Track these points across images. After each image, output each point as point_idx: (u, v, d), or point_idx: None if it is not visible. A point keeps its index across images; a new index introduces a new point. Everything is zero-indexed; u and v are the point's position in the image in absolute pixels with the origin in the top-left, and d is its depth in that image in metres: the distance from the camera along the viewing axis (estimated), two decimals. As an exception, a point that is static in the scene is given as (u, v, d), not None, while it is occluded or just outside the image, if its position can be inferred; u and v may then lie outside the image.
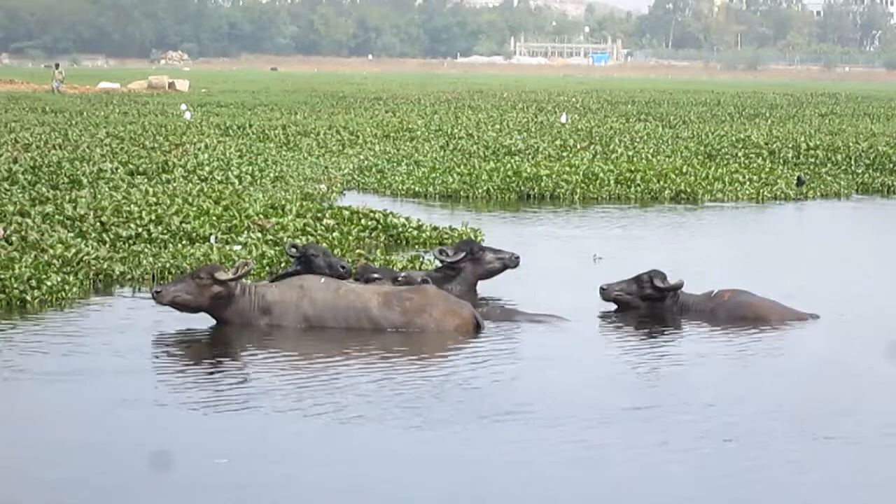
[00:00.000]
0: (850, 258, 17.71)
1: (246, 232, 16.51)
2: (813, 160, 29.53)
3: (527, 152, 29.84)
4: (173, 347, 11.64)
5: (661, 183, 24.18)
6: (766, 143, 31.80)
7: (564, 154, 29.47)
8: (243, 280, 12.03)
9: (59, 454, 8.43)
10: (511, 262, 13.98)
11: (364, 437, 8.77)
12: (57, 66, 69.20)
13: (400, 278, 12.94)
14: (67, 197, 18.54)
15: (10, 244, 15.03)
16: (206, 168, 23.76)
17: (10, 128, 32.94)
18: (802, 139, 32.89)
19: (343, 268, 13.01)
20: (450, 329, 11.84)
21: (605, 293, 13.08)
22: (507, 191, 23.66)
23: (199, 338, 11.88)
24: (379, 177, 25.49)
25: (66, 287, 13.24)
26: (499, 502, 7.71)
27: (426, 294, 12.06)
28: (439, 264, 13.96)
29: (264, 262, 14.67)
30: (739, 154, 30.12)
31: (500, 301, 13.71)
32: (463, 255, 13.79)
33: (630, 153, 29.65)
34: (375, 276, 13.06)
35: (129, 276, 14.34)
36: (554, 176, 24.21)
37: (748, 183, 24.72)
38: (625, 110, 49.57)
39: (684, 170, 25.61)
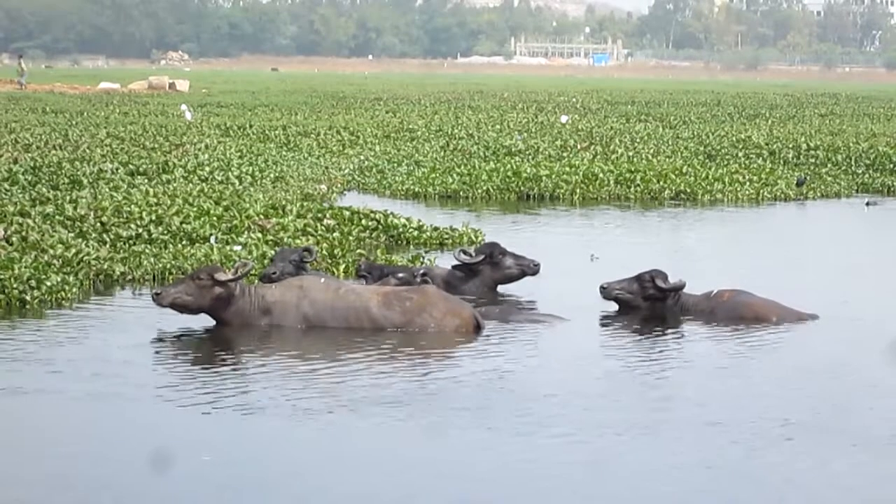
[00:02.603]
0: (849, 258, 17.71)
1: (246, 232, 16.53)
2: (813, 160, 29.53)
3: (527, 153, 29.85)
4: (173, 348, 11.65)
5: (661, 183, 24.18)
6: (767, 144, 31.80)
7: (564, 154, 29.48)
8: (243, 281, 12.04)
9: (53, 452, 8.44)
10: (530, 270, 14.04)
11: (362, 437, 8.78)
12: (20, 56, 68.52)
13: (417, 274, 13.10)
14: (68, 197, 18.55)
15: (11, 244, 15.03)
16: (207, 168, 23.77)
17: (11, 128, 32.96)
18: (803, 139, 32.89)
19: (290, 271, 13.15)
20: (450, 329, 11.84)
21: (606, 292, 13.08)
22: (507, 191, 23.68)
23: (199, 338, 11.88)
24: (379, 177, 25.50)
25: (66, 287, 13.25)
26: (497, 503, 7.71)
27: (426, 294, 12.07)
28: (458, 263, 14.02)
29: (265, 262, 14.67)
30: (740, 154, 30.12)
31: (500, 300, 13.73)
32: (482, 258, 13.87)
33: (630, 153, 29.66)
34: (401, 274, 13.14)
35: (129, 277, 14.35)
36: (554, 176, 24.22)
37: (748, 183, 24.72)
38: (625, 111, 49.58)
39: (684, 170, 25.61)
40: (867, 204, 23.94)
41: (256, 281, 13.16)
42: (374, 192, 24.11)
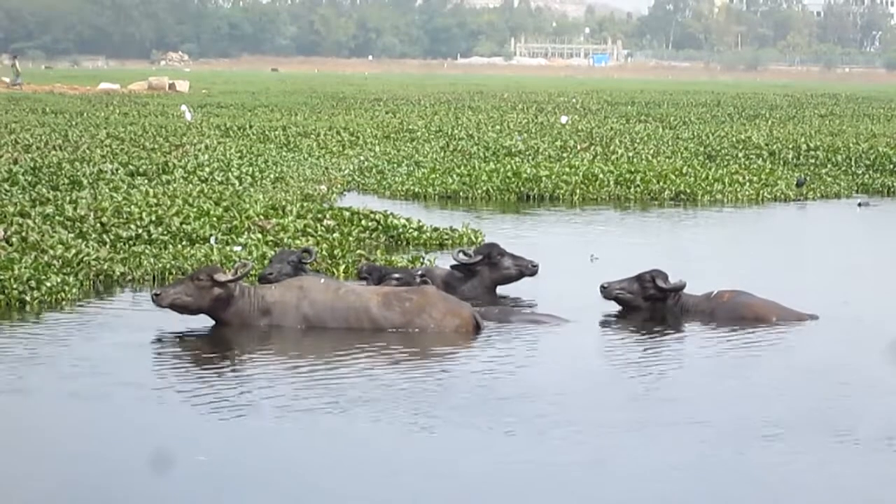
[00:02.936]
0: (849, 258, 17.72)
1: (246, 233, 16.53)
2: (813, 161, 29.54)
3: (527, 153, 29.85)
4: (172, 348, 11.65)
5: (661, 184, 24.18)
6: (767, 144, 31.80)
7: (564, 155, 29.47)
8: (242, 281, 12.04)
9: (52, 452, 8.44)
10: (528, 270, 14.03)
11: (360, 437, 8.78)
12: (15, 57, 67.64)
13: (418, 274, 13.11)
14: (68, 198, 18.56)
15: (11, 245, 15.03)
16: (207, 169, 23.77)
17: (11, 129, 32.95)
18: (802, 140, 32.89)
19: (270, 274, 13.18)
20: (449, 329, 11.85)
21: (606, 291, 13.08)
22: (507, 192, 23.68)
23: (199, 338, 11.88)
24: (379, 178, 25.51)
25: (66, 288, 13.25)
26: (495, 503, 7.71)
27: (426, 294, 12.07)
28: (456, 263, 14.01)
29: (265, 262, 14.66)
30: (740, 155, 30.12)
31: (500, 301, 13.73)
32: (480, 258, 13.88)
33: (630, 154, 29.66)
34: (397, 275, 13.15)
35: (129, 277, 14.35)
36: (554, 177, 24.22)
37: (748, 184, 24.72)
38: (625, 111, 49.58)
39: (684, 171, 25.60)
40: (859, 205, 23.91)
41: (255, 281, 13.16)
42: (374, 193, 24.11)
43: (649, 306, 12.99)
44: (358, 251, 15.93)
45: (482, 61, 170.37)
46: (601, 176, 24.46)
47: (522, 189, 23.79)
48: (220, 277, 11.84)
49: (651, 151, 30.46)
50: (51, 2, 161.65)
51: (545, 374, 10.59)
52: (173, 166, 23.83)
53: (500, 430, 8.93)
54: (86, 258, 14.42)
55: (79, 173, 22.29)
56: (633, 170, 25.28)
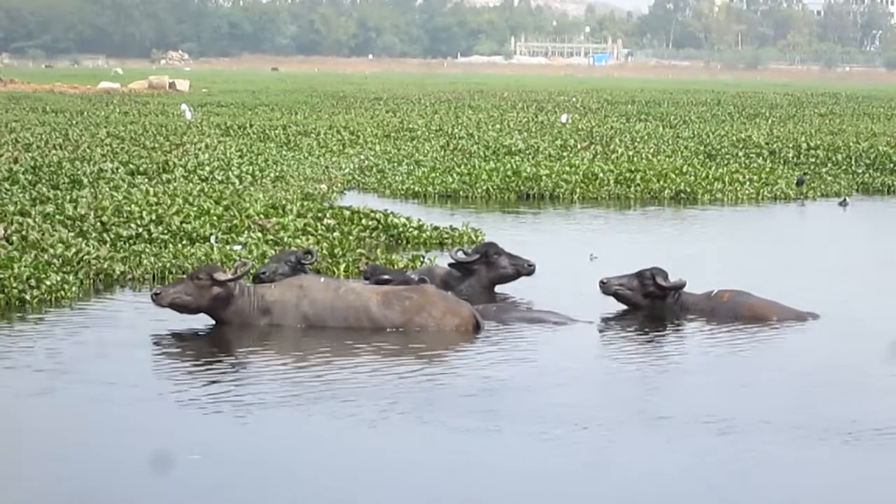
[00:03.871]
0: (849, 258, 17.72)
1: (246, 232, 16.53)
2: (813, 160, 29.54)
3: (527, 152, 29.85)
4: (171, 348, 11.65)
5: (661, 183, 24.18)
6: (767, 143, 31.80)
7: (564, 154, 29.47)
8: (242, 280, 12.04)
9: (51, 453, 8.44)
10: (525, 270, 14.03)
11: (359, 437, 8.78)
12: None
13: (416, 277, 13.10)
14: (68, 197, 18.56)
15: (11, 244, 15.04)
16: (207, 168, 23.78)
17: (11, 128, 32.96)
18: (803, 139, 32.89)
19: (263, 273, 13.20)
20: (449, 328, 11.85)
21: (606, 287, 13.08)
22: (507, 190, 23.68)
23: (199, 338, 11.88)
24: (379, 177, 25.51)
25: (66, 287, 13.26)
26: (493, 503, 7.72)
27: (426, 293, 12.07)
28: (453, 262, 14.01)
29: (265, 262, 14.66)
30: (740, 154, 30.13)
31: (498, 300, 13.73)
32: (477, 257, 13.88)
33: (630, 153, 29.65)
34: (386, 276, 13.14)
35: (129, 276, 14.36)
36: (554, 176, 24.23)
37: (748, 183, 24.72)
38: (625, 110, 49.57)
39: (684, 170, 25.60)
40: (840, 204, 23.86)
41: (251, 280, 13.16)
42: (375, 192, 24.11)
43: (649, 304, 12.99)
44: (358, 250, 15.93)
45: (482, 60, 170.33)
46: (601, 175, 24.47)
47: (522, 188, 23.79)
48: (220, 276, 11.84)
49: (651, 150, 30.45)
50: (51, 1, 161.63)
51: (545, 374, 10.59)
52: (173, 165, 23.84)
53: (497, 430, 8.93)
54: (86, 257, 14.42)
55: (79, 172, 22.30)
56: (633, 169, 25.28)
